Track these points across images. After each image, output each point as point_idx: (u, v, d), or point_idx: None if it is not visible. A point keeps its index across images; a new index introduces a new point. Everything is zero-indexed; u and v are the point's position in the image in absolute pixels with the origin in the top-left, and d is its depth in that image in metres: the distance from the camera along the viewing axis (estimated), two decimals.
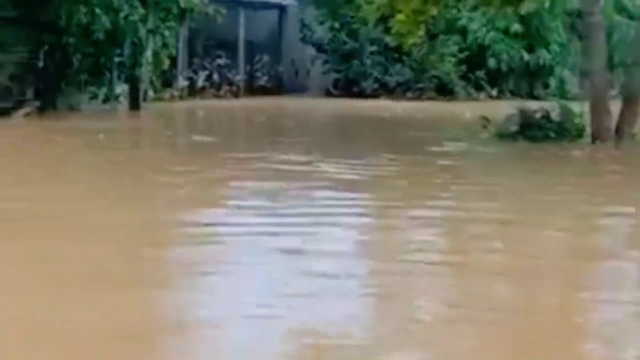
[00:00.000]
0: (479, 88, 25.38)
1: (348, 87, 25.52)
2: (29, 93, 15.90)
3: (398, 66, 25.11)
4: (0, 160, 10.58)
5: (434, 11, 16.84)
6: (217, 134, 15.31)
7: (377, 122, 18.92)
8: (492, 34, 24.51)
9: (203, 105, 21.68)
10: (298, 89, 26.19)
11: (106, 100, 17.93)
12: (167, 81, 21.66)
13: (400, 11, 16.23)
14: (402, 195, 8.61)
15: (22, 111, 15.49)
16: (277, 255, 5.88)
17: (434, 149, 12.63)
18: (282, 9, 26.71)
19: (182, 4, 18.12)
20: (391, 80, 25.25)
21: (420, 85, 25.09)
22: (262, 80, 26.06)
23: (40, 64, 15.92)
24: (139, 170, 10.11)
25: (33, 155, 11.23)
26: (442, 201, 8.28)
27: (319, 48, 26.02)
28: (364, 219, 7.69)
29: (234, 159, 11.14)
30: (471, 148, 13.04)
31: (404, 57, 24.31)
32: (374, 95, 24.86)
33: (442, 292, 5.25)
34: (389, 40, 22.18)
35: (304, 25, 26.17)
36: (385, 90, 25.20)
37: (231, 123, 19.64)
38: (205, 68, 23.97)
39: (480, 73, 25.14)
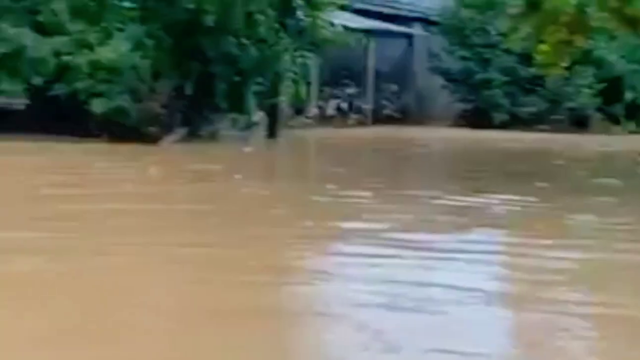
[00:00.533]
0: (615, 121, 24.66)
1: (476, 117, 25.18)
2: (177, 120, 16.20)
3: (531, 97, 24.61)
4: (147, 185, 10.77)
5: (581, 42, 16.43)
6: (366, 167, 15.19)
7: (522, 154, 18.46)
8: (629, 65, 23.82)
9: (334, 133, 21.69)
10: (424, 119, 26.02)
11: (246, 127, 18.12)
12: (300, 109, 21.84)
13: (543, 41, 15.87)
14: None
15: (171, 137, 15.77)
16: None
17: (604, 182, 12.23)
18: (409, 38, 26.67)
19: (323, 34, 18.24)
20: (522, 111, 24.78)
21: (555, 116, 24.55)
22: (389, 109, 26.01)
23: (189, 91, 16.21)
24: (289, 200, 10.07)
25: (180, 182, 11.40)
26: None
27: (447, 77, 25.81)
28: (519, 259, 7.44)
29: (397, 195, 10.98)
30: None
31: (538, 88, 23.84)
32: (503, 126, 24.45)
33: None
34: (523, 70, 21.85)
35: (432, 54, 26.04)
36: (514, 121, 24.76)
37: (378, 156, 19.02)
38: (335, 97, 24.08)
39: (618, 106, 24.44)
